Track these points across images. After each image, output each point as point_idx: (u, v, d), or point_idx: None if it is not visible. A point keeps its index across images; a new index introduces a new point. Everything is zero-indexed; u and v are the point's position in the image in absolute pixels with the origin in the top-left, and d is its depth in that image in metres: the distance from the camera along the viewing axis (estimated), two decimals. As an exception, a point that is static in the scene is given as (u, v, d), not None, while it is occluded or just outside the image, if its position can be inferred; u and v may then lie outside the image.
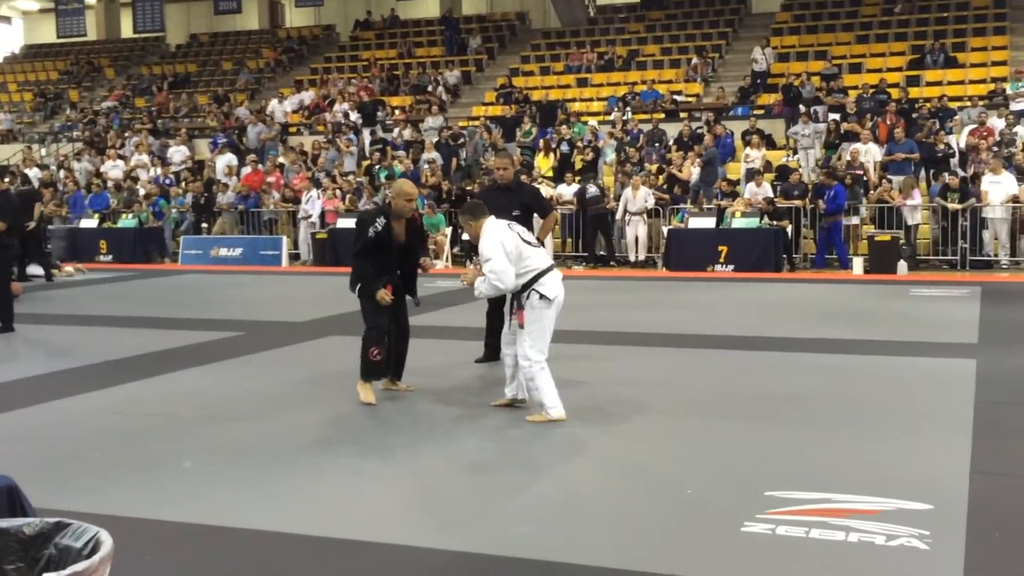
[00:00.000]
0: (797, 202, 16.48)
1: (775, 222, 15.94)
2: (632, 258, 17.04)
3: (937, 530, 4.15)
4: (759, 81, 22.03)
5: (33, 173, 23.39)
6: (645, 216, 16.97)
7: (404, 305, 7.10)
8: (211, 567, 4.03)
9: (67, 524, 2.68)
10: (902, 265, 15.09)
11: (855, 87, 20.77)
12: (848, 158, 17.39)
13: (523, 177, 17.25)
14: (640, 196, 16.87)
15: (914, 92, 20.75)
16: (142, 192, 21.30)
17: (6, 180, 13.85)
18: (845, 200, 15.86)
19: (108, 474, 5.28)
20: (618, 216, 17.22)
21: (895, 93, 20.14)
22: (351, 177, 20.10)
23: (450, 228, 17.79)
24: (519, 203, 7.92)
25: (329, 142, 21.87)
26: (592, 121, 21.45)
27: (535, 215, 8.24)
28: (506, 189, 8.00)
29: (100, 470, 5.36)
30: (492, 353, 7.98)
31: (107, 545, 2.55)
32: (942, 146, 17.51)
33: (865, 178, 16.83)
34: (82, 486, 5.04)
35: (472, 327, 9.46)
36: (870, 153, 17.38)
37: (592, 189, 17.31)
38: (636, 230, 17.04)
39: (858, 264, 15.30)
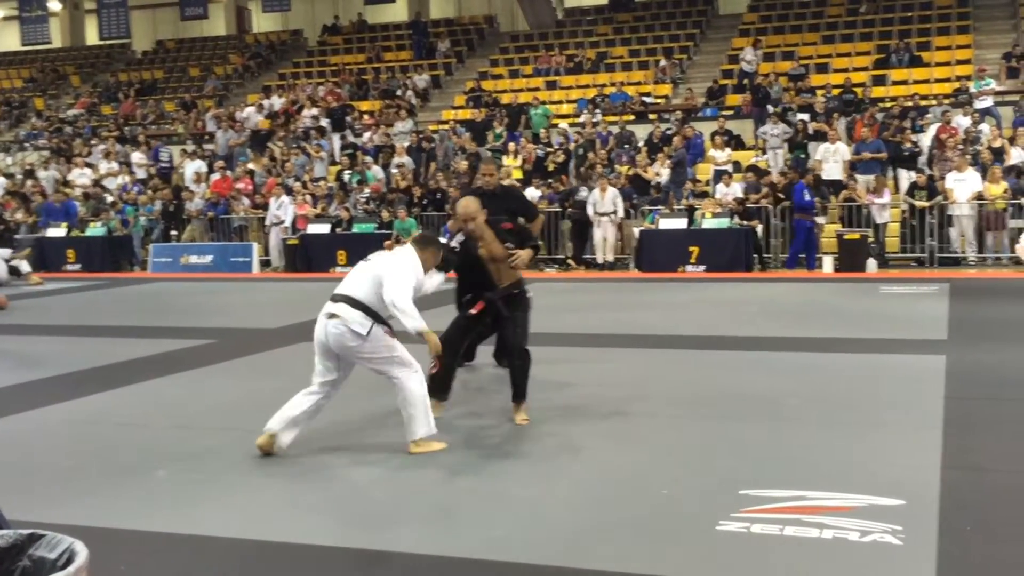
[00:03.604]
0: (764, 201, 16.58)
1: (745, 222, 16.04)
2: (600, 260, 17.07)
3: (909, 525, 4.20)
4: (745, 82, 22.11)
5: (-1, 182, 23.16)
6: (612, 217, 17.00)
7: (509, 321, 6.51)
8: (187, 576, 4.01)
9: (41, 535, 2.65)
10: (871, 263, 15.23)
11: (822, 87, 20.95)
12: (818, 157, 17.54)
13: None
14: (608, 198, 16.91)
15: (879, 91, 20.95)
16: (110, 200, 21.13)
17: None
18: (802, 196, 15.87)
19: (81, 484, 5.24)
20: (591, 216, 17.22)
21: (861, 92, 20.33)
22: (322, 183, 20.03)
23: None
24: (506, 208, 7.82)
25: (298, 147, 21.79)
26: (562, 123, 21.51)
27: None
28: (492, 194, 7.98)
29: (73, 480, 5.32)
30: (468, 353, 7.94)
31: (82, 556, 2.53)
32: (908, 144, 17.69)
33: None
34: (55, 497, 5.00)
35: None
36: (839, 153, 17.53)
37: (583, 192, 17.31)
38: (604, 232, 17.06)
39: (828, 262, 15.43)
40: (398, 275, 5.60)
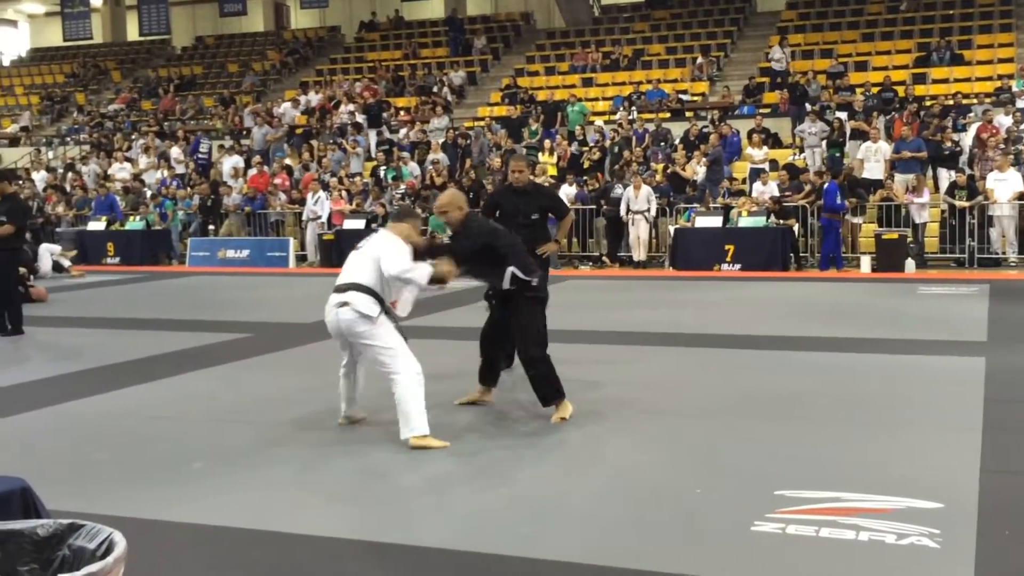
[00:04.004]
0: (800, 199, 16.45)
1: (782, 221, 15.93)
2: (635, 258, 17.01)
3: (947, 528, 4.15)
4: (779, 80, 21.95)
5: (40, 176, 23.48)
6: (646, 215, 16.92)
7: (513, 328, 6.50)
8: (222, 567, 4.04)
9: (81, 525, 2.69)
10: (910, 263, 15.07)
11: (861, 85, 20.74)
12: (859, 156, 17.36)
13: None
14: (642, 196, 16.84)
15: (920, 90, 20.70)
16: (149, 194, 21.37)
17: (18, 183, 13.87)
18: (835, 198, 15.73)
19: (119, 476, 5.30)
20: (623, 215, 17.18)
21: (901, 91, 20.11)
22: (357, 179, 20.12)
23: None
24: (536, 206, 7.87)
25: (335, 143, 21.90)
26: (598, 121, 21.45)
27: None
28: (522, 192, 7.95)
29: (111, 472, 5.38)
30: (507, 360, 7.94)
31: (120, 546, 2.56)
32: (949, 144, 17.47)
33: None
34: (93, 488, 5.06)
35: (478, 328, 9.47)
36: (880, 152, 17.35)
37: (618, 190, 17.26)
38: (638, 230, 17.00)
39: (866, 262, 15.28)
40: (391, 250, 5.82)
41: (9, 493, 2.88)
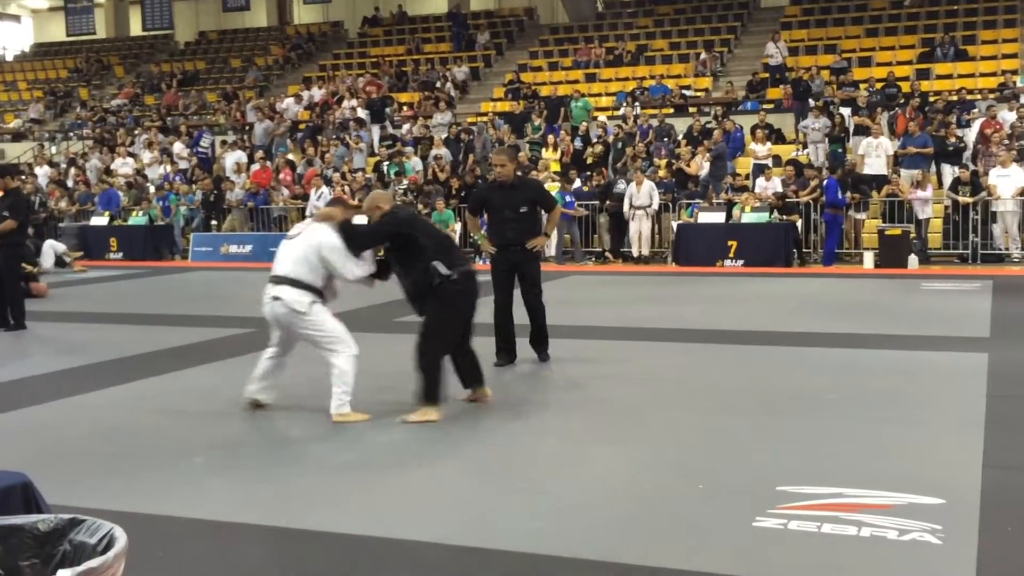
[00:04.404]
0: (805, 196, 16.43)
1: (785, 217, 15.91)
2: (636, 253, 16.99)
3: (949, 524, 4.14)
4: (778, 76, 21.91)
5: (43, 171, 23.48)
6: (648, 211, 16.89)
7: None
8: (222, 562, 4.04)
9: (81, 520, 2.69)
10: (913, 259, 15.05)
11: (864, 81, 20.70)
12: (860, 152, 17.34)
13: (532, 173, 17.26)
14: (644, 191, 16.81)
15: (924, 86, 20.66)
16: (152, 189, 21.37)
17: (21, 178, 13.88)
18: (836, 193, 15.71)
19: (120, 471, 5.30)
20: (626, 210, 17.15)
21: (905, 87, 20.07)
22: (360, 174, 20.10)
23: (459, 224, 17.78)
24: (524, 199, 7.92)
25: (338, 138, 21.90)
26: (601, 116, 21.42)
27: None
28: (509, 186, 7.94)
29: (112, 467, 5.38)
30: (508, 356, 7.98)
31: (121, 541, 2.56)
32: (953, 139, 17.42)
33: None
34: (94, 483, 5.06)
35: (483, 323, 9.47)
36: (881, 147, 17.31)
37: (621, 185, 17.24)
38: (640, 225, 16.97)
39: (869, 258, 15.26)
40: (335, 254, 6.16)
41: (10, 488, 2.88)
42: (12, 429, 6.28)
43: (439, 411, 6.15)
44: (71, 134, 27.64)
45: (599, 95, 23.50)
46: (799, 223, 16.03)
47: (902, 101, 19.30)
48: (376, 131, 22.89)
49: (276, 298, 6.15)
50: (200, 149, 23.32)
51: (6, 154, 26.89)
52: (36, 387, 7.52)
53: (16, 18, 39.51)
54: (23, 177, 17.90)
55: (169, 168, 22.65)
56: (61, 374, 8.05)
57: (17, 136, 28.50)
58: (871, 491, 4.56)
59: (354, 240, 6.28)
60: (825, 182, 15.89)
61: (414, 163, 20.20)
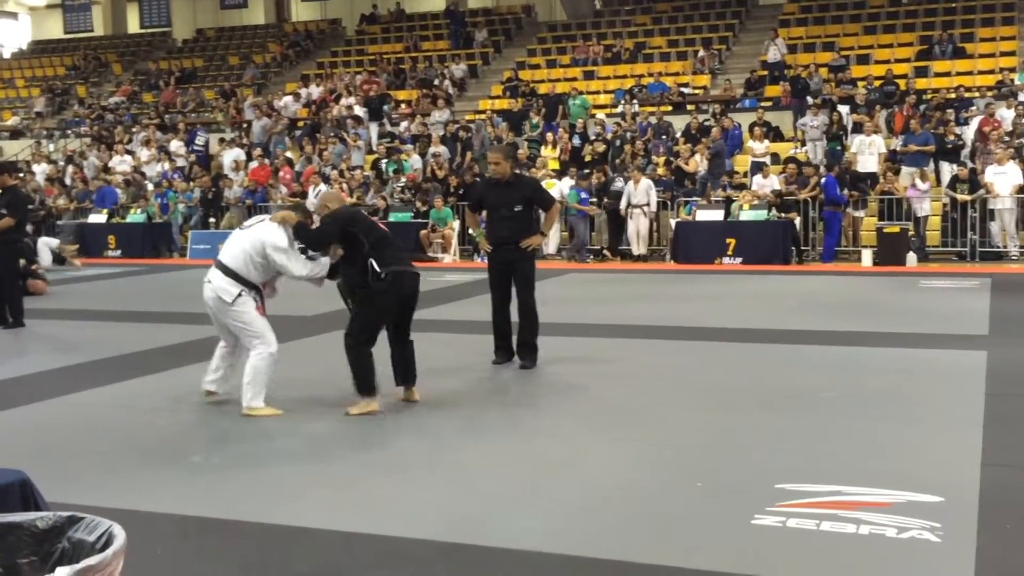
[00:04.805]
0: (805, 193, 16.42)
1: (783, 214, 15.91)
2: (635, 251, 16.99)
3: (948, 522, 4.14)
4: (776, 73, 21.88)
5: (41, 168, 23.46)
6: (646, 209, 16.87)
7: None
8: (220, 560, 4.04)
9: (80, 518, 2.68)
10: (911, 257, 15.05)
11: (863, 79, 20.70)
12: (854, 150, 17.34)
13: (531, 170, 17.26)
14: (641, 189, 16.80)
15: (922, 83, 20.67)
16: (150, 187, 21.35)
17: (19, 176, 13.85)
18: (835, 191, 15.72)
19: (117, 468, 5.30)
20: (622, 208, 17.13)
21: (904, 84, 20.08)
22: (358, 172, 20.09)
23: (457, 222, 17.78)
24: (519, 197, 7.79)
25: (336, 136, 21.88)
26: (600, 114, 21.42)
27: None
28: (505, 184, 7.87)
29: (109, 464, 5.38)
30: (506, 354, 7.91)
31: (120, 539, 2.55)
32: (952, 137, 17.43)
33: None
34: (92, 480, 5.06)
35: (480, 321, 9.47)
36: (875, 145, 17.32)
37: (618, 183, 17.22)
38: (637, 223, 16.96)
39: (867, 256, 15.27)
40: (279, 253, 6.31)
41: (8, 485, 2.87)
42: (10, 427, 6.27)
43: (376, 402, 6.30)
44: (69, 131, 27.61)
45: (597, 93, 23.49)
46: (797, 221, 16.04)
47: (899, 99, 19.30)
48: (374, 129, 22.88)
49: (208, 281, 6.35)
50: (196, 147, 23.32)
51: (4, 151, 26.87)
52: (34, 385, 7.52)
53: (14, 15, 39.41)
54: (21, 174, 17.89)
55: (168, 166, 22.63)
56: (59, 372, 8.04)
57: (15, 133, 28.47)
58: (870, 489, 4.56)
59: (306, 241, 6.45)
60: (824, 180, 15.90)
61: (412, 161, 20.19)
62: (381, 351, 6.45)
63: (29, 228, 13.58)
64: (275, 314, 10.79)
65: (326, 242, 6.45)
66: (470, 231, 8.85)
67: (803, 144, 18.98)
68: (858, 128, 18.29)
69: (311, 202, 18.94)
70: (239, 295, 6.29)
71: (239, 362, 6.61)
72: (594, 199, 17.37)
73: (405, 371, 6.66)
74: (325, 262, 6.46)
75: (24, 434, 6.06)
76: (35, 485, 2.95)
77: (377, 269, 6.24)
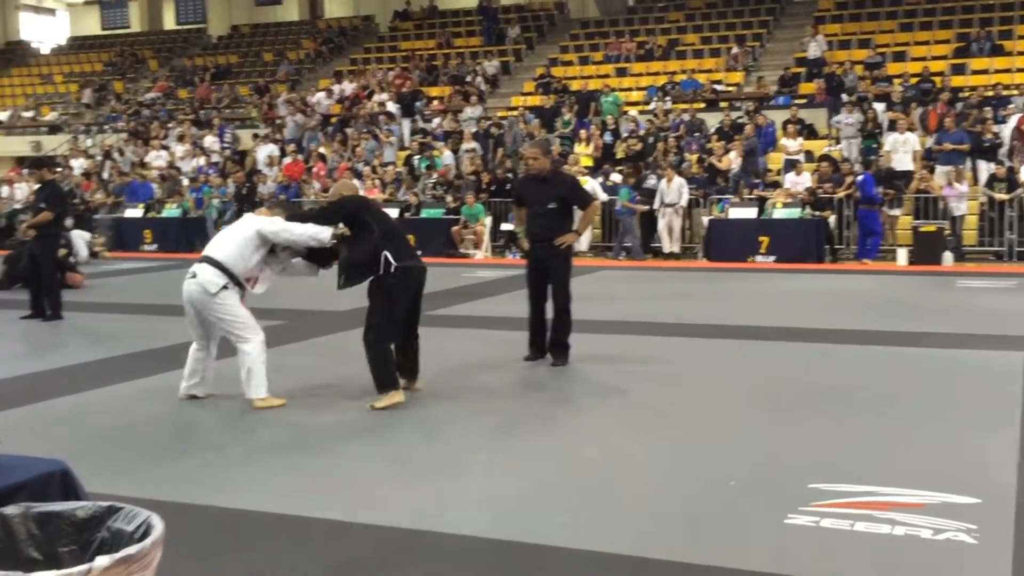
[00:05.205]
0: (841, 192, 16.29)
1: (817, 213, 15.80)
2: (665, 249, 16.92)
3: (985, 524, 4.10)
4: (815, 70, 21.68)
5: (78, 163, 23.74)
6: (678, 207, 16.79)
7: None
8: (255, 551, 4.07)
9: (119, 508, 2.71)
10: (947, 256, 14.89)
11: (899, 76, 20.49)
12: (887, 148, 17.18)
13: (562, 167, 17.22)
14: (674, 187, 16.73)
15: (959, 81, 20.42)
16: (185, 182, 21.54)
17: (57, 171, 14.02)
18: (872, 189, 15.59)
19: (154, 460, 5.35)
20: (656, 207, 17.08)
21: (940, 82, 19.85)
22: (391, 168, 20.16)
23: (489, 218, 17.80)
24: (554, 195, 7.67)
25: (368, 132, 21.96)
26: (632, 111, 21.35)
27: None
28: (542, 180, 7.81)
29: (145, 456, 5.44)
30: (538, 351, 7.86)
31: (158, 529, 2.59)
32: (989, 135, 17.22)
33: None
34: (129, 471, 5.11)
35: (511, 317, 9.49)
36: (909, 143, 17.14)
37: (651, 180, 17.17)
38: (669, 221, 16.89)
39: (902, 255, 15.12)
40: (275, 224, 6.37)
41: (49, 475, 2.91)
42: (49, 417, 6.36)
43: (400, 394, 6.40)
44: (106, 127, 27.91)
45: (630, 90, 23.41)
46: (832, 219, 15.91)
47: (936, 96, 19.08)
48: (407, 125, 22.95)
49: (193, 275, 6.33)
50: (224, 144, 23.49)
51: (43, 146, 27.20)
52: (72, 376, 7.62)
53: (52, 12, 39.91)
54: (59, 169, 18.10)
55: (203, 161, 22.82)
56: (98, 364, 8.14)
57: (53, 128, 28.81)
58: (905, 490, 4.52)
59: (306, 221, 6.54)
60: (861, 178, 15.74)
61: (444, 157, 20.23)
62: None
63: (69, 222, 13.72)
64: (306, 309, 10.90)
65: (327, 222, 6.51)
66: (515, 227, 8.82)
67: (837, 142, 18.82)
68: (893, 126, 18.11)
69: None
70: (224, 287, 6.30)
71: (212, 362, 6.66)
72: (615, 197, 17.33)
73: (410, 365, 6.78)
74: (327, 231, 6.42)
75: (61, 425, 6.14)
76: (75, 475, 2.99)
77: (393, 262, 6.33)
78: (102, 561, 2.36)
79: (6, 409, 6.33)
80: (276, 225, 6.41)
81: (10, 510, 2.66)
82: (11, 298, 12.27)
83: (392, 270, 6.34)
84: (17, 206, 20.57)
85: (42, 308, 10.64)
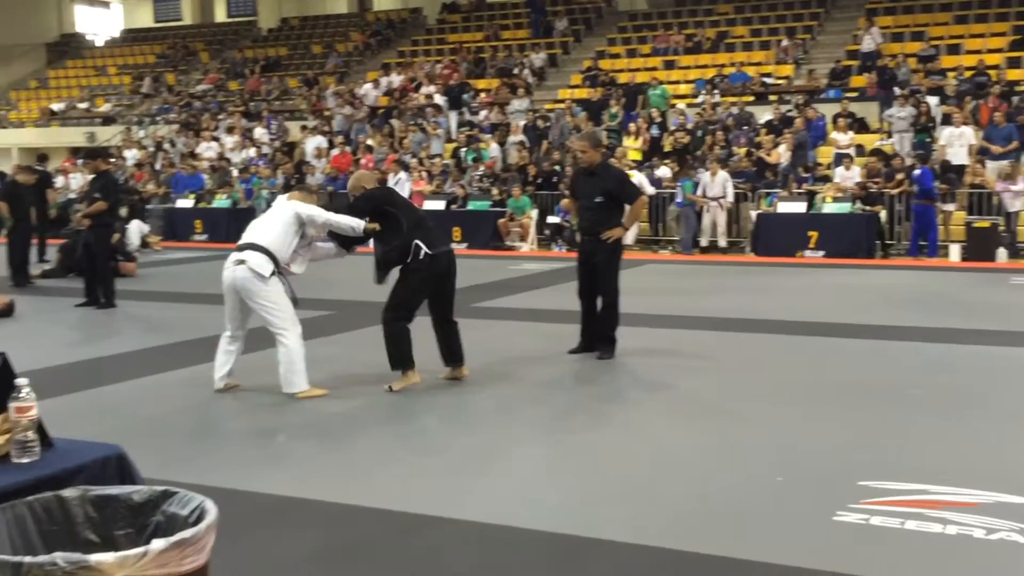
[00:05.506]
0: (894, 189, 16.06)
1: (868, 207, 15.59)
2: (704, 243, 16.78)
3: (1039, 524, 4.04)
4: (868, 63, 21.37)
5: (131, 154, 24.09)
6: (722, 202, 16.65)
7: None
8: (303, 539, 4.12)
9: (174, 492, 2.75)
10: (1001, 252, 14.64)
11: (953, 69, 20.13)
12: (943, 142, 16.90)
13: (611, 160, 17.15)
14: (718, 181, 16.59)
15: (1015, 74, 20.02)
16: (235, 173, 21.78)
17: (110, 161, 14.23)
18: (931, 183, 15.35)
19: (204, 446, 5.44)
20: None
21: (995, 75, 19.48)
22: (438, 160, 20.22)
23: (535, 211, 17.79)
24: (601, 189, 7.62)
25: (415, 124, 22.04)
26: (680, 104, 21.21)
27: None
28: (590, 173, 7.78)
29: (197, 442, 5.53)
30: (584, 344, 7.85)
31: (212, 514, 2.62)
32: (1046, 130, 16.87)
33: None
34: (180, 457, 5.20)
35: (557, 310, 9.49)
36: (964, 137, 16.84)
37: (700, 174, 17.03)
38: (714, 215, 16.76)
39: (955, 251, 14.89)
40: (314, 209, 6.52)
41: (106, 459, 2.97)
42: (104, 403, 6.48)
43: (416, 374, 6.57)
44: (158, 118, 28.29)
45: (678, 83, 23.24)
46: (883, 214, 15.70)
47: (995, 90, 18.72)
48: (454, 117, 22.99)
49: (240, 262, 6.34)
50: (272, 134, 23.70)
51: (96, 137, 27.64)
52: (125, 364, 7.75)
53: (106, 5, 40.47)
54: (113, 160, 18.39)
55: (254, 152, 23.05)
56: (151, 351, 8.28)
57: (107, 120, 29.26)
58: (956, 488, 4.47)
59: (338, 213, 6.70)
60: (918, 172, 15.48)
61: (491, 149, 20.25)
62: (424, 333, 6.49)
63: (123, 212, 13.95)
64: (352, 299, 10.98)
65: (356, 215, 6.64)
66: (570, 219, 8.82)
67: (889, 136, 18.54)
68: (947, 120, 17.81)
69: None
70: (273, 272, 6.38)
71: (239, 349, 6.72)
72: (661, 191, 17.20)
73: (451, 353, 6.86)
74: (361, 222, 6.54)
75: (115, 411, 6.26)
76: (131, 459, 3.05)
77: (425, 249, 6.49)
78: (158, 544, 2.39)
79: (61, 395, 6.45)
80: (315, 210, 6.55)
81: (68, 493, 2.71)
82: (66, 286, 12.51)
83: (421, 256, 6.51)
84: (72, 196, 20.93)
85: (96, 296, 10.83)
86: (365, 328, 9.31)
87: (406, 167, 19.55)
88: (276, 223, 6.51)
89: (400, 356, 6.56)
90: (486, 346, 7.94)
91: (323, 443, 5.51)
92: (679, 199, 16.68)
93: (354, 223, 6.52)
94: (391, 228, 6.55)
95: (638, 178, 16.63)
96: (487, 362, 7.47)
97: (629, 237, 16.74)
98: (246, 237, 6.53)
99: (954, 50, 21.78)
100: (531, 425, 5.85)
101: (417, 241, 6.49)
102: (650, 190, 17.06)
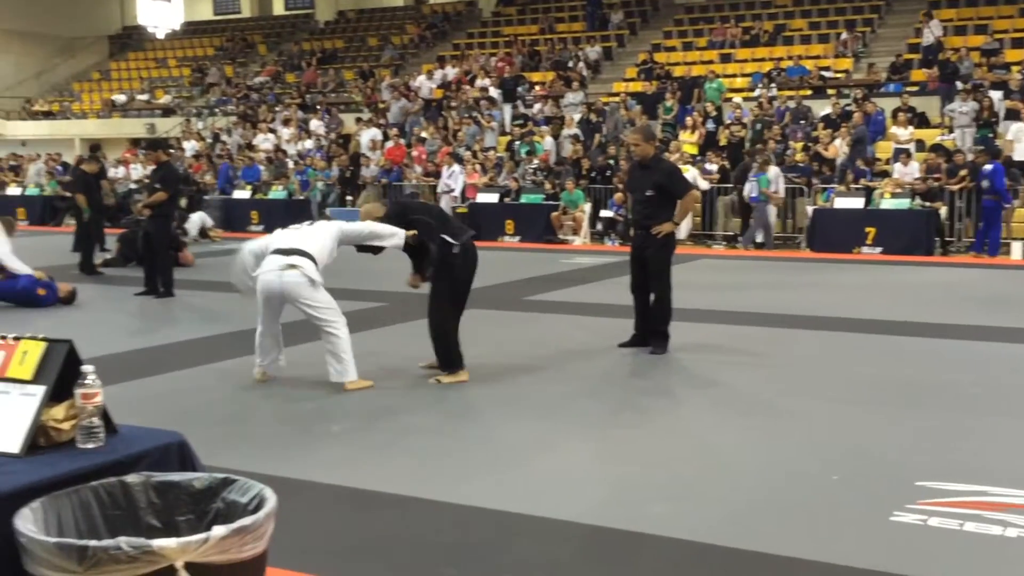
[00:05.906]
0: (954, 184, 15.76)
1: (927, 203, 15.32)
2: (758, 239, 16.60)
3: (1103, 529, 3.95)
4: (930, 57, 20.98)
5: (190, 145, 24.46)
6: (773, 196, 16.42)
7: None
8: (353, 529, 4.16)
9: (233, 480, 2.81)
10: (1066, 251, 14.31)
11: (1018, 63, 19.69)
12: (1009, 137, 16.54)
13: (665, 154, 17.04)
14: (770, 177, 16.38)
15: (1083, 68, 19.53)
16: (291, 165, 22.01)
17: (170, 153, 14.46)
18: (1003, 179, 15.03)
19: (260, 435, 5.52)
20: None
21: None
22: (491, 152, 20.25)
23: (589, 204, 17.75)
24: (651, 182, 7.58)
25: (470, 117, 22.09)
26: (736, 98, 21.01)
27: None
28: (643, 167, 7.76)
29: (253, 431, 5.61)
30: (636, 338, 7.83)
31: (271, 502, 2.67)
32: (1114, 126, 16.45)
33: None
34: (237, 445, 5.27)
35: (609, 304, 9.47)
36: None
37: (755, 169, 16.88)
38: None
39: (1017, 248, 14.58)
40: (357, 224, 6.77)
41: (167, 446, 3.02)
42: (167, 391, 6.60)
43: (466, 371, 6.74)
44: (216, 110, 28.68)
45: (734, 76, 23.02)
46: (943, 210, 15.42)
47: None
48: (508, 110, 23.00)
49: (292, 266, 6.43)
50: (325, 127, 23.92)
51: (156, 128, 28.09)
52: (186, 352, 7.89)
53: (167, -2, 41.05)
54: (172, 151, 18.68)
55: (311, 144, 23.28)
56: (209, 340, 8.42)
57: (167, 111, 29.72)
58: (1017, 490, 4.39)
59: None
60: (989, 167, 15.13)
61: (545, 143, 20.23)
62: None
63: (183, 203, 14.17)
64: (397, 292, 11.05)
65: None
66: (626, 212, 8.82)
67: (950, 131, 18.20)
68: (1012, 115, 17.43)
69: (444, 182, 19.25)
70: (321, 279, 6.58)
71: (281, 341, 6.87)
72: (718, 185, 17.04)
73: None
74: (402, 234, 6.68)
75: (173, 398, 6.37)
76: (191, 447, 3.10)
77: (453, 242, 6.65)
78: (219, 531, 2.44)
79: (122, 382, 6.58)
80: (361, 226, 6.75)
81: (131, 478, 2.77)
82: (125, 275, 12.75)
83: (454, 251, 6.67)
84: (132, 186, 21.31)
85: (155, 285, 11.02)
86: (414, 321, 9.37)
87: (460, 160, 19.61)
88: (325, 235, 6.69)
89: (451, 357, 6.76)
90: (538, 339, 7.95)
91: (374, 435, 5.56)
92: (754, 194, 16.47)
93: (398, 233, 6.68)
94: (426, 232, 6.73)
95: (692, 173, 16.52)
96: (538, 355, 7.48)
97: (682, 232, 16.65)
98: (288, 243, 6.62)
99: (1019, 44, 21.31)
100: (580, 419, 5.85)
101: (444, 236, 6.70)
102: (703, 185, 16.94)
